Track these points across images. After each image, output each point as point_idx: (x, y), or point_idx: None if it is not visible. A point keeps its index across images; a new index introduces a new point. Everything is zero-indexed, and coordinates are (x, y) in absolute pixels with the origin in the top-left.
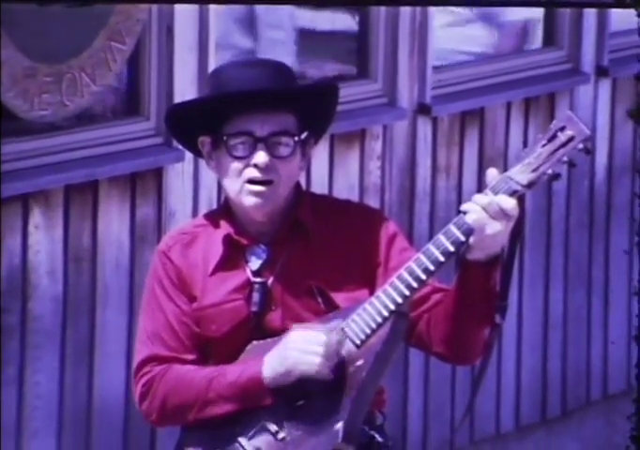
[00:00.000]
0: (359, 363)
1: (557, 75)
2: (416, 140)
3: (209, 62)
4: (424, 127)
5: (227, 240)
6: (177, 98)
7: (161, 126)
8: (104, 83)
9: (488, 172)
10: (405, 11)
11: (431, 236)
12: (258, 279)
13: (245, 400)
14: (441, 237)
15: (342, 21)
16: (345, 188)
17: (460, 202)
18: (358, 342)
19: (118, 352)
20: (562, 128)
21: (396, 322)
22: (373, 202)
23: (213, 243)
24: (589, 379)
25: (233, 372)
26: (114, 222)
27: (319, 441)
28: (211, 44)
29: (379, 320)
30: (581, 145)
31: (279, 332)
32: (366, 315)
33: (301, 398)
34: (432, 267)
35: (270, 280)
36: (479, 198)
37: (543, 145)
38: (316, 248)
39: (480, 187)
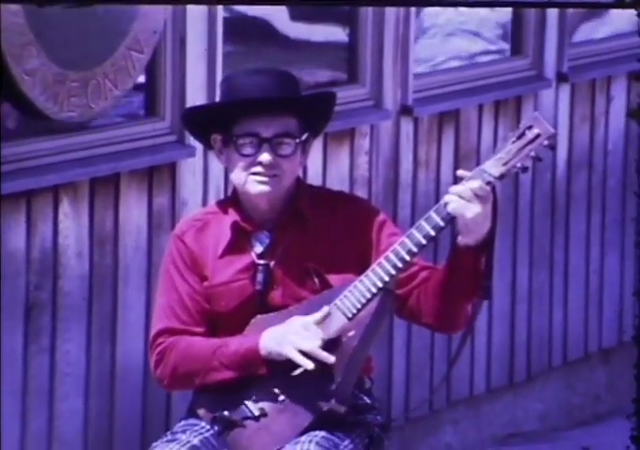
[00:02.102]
0: (351, 334)
1: (523, 81)
2: (399, 138)
3: (217, 69)
4: (406, 127)
5: (235, 226)
6: (189, 101)
7: (176, 125)
8: (125, 88)
9: (459, 172)
10: (389, 24)
11: (412, 222)
12: (262, 262)
13: (243, 369)
14: (423, 223)
15: (334, 33)
16: (337, 181)
17: (438, 191)
18: (349, 315)
19: (138, 325)
20: (530, 127)
21: (384, 298)
22: (361, 192)
23: (222, 229)
24: (551, 347)
25: (234, 343)
26: (133, 210)
27: (315, 402)
28: (219, 53)
29: (368, 296)
30: (546, 142)
31: (279, 308)
32: (357, 291)
33: (299, 366)
34: (415, 249)
35: (272, 263)
36: (453, 188)
37: (513, 142)
38: (313, 234)
39: (456, 178)
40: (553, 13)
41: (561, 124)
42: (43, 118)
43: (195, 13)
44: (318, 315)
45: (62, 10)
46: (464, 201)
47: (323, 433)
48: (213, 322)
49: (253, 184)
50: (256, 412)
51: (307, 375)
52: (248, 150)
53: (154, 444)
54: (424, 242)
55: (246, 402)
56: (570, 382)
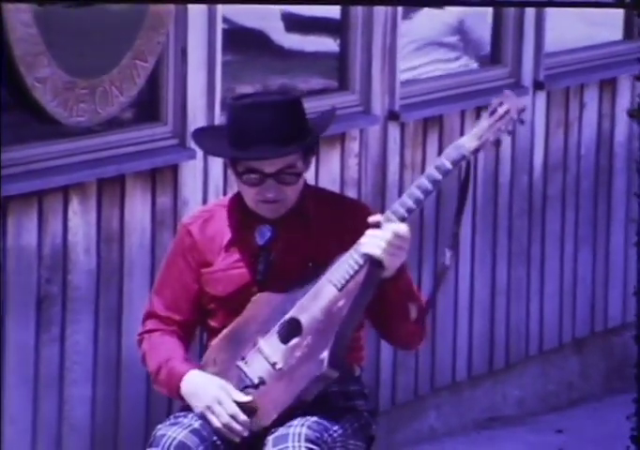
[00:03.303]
0: (341, 303)
1: (502, 88)
2: (387, 141)
3: (216, 77)
4: (394, 131)
5: (240, 219)
6: (190, 107)
7: (177, 130)
8: (130, 95)
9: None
10: (377, 35)
11: None
12: (263, 252)
13: (172, 393)
14: (397, 206)
15: (326, 43)
16: (328, 182)
17: None
18: (339, 286)
19: (142, 317)
20: (500, 104)
21: (370, 269)
22: (351, 193)
23: (229, 220)
24: (528, 337)
25: (173, 365)
26: (138, 209)
27: (309, 368)
28: (218, 62)
29: (356, 267)
30: (516, 116)
31: None
32: (345, 264)
33: (295, 336)
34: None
35: (273, 254)
36: (378, 235)
37: (486, 118)
38: (313, 231)
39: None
40: (530, 24)
41: (537, 129)
42: (54, 123)
43: (196, 24)
44: (242, 396)
45: (72, 22)
46: (391, 250)
47: (315, 418)
48: (199, 312)
49: (260, 207)
50: (256, 381)
51: (302, 344)
52: (252, 182)
53: (158, 427)
54: (406, 215)
55: (246, 371)
56: (545, 369)
